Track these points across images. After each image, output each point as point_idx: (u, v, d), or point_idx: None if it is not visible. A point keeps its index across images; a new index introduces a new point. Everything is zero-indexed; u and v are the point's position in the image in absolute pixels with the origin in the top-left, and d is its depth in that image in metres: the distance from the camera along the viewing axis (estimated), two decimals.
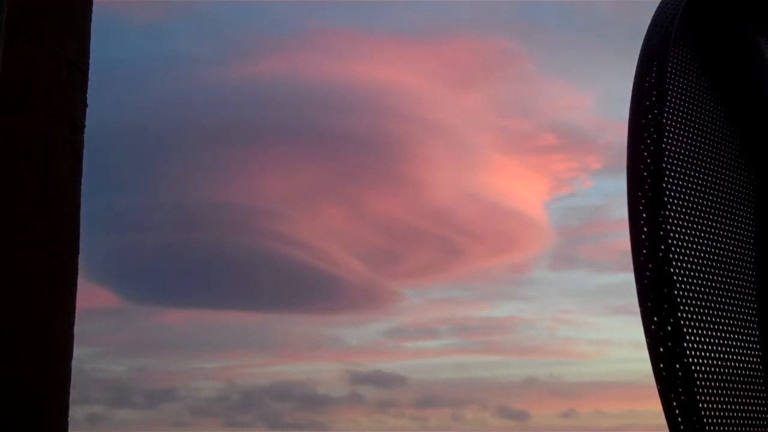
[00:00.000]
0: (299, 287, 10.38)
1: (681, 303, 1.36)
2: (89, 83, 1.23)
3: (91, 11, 1.26)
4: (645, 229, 1.36)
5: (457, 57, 9.85)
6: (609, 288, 10.62)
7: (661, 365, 1.32)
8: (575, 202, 10.77)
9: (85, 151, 1.22)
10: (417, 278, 11.06)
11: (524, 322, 10.66)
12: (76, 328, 1.17)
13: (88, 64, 1.24)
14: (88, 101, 1.23)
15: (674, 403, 1.32)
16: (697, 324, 1.39)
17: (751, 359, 1.53)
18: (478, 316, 10.86)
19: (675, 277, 1.37)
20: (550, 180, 10.55)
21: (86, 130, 1.22)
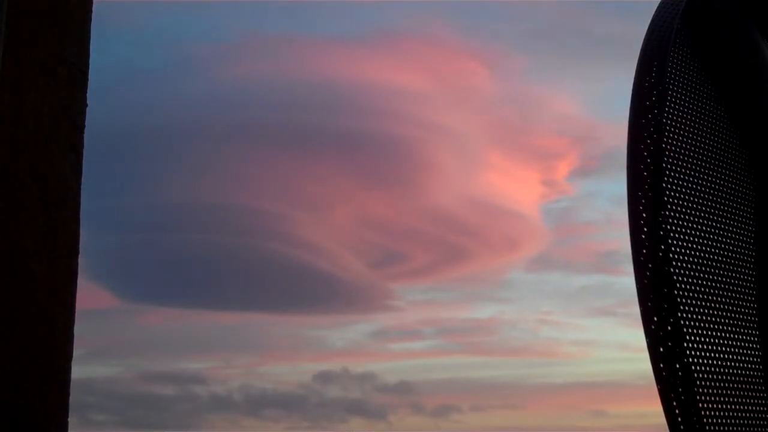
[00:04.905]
0: (298, 288, 10.37)
1: (681, 303, 1.36)
2: (89, 83, 1.23)
3: (91, 11, 1.26)
4: (645, 229, 1.36)
5: (436, 60, 9.89)
6: (587, 289, 10.67)
7: (661, 365, 1.32)
8: (550, 205, 10.81)
9: (85, 151, 1.21)
10: (412, 279, 11.07)
11: (507, 323, 10.69)
12: (76, 328, 1.17)
13: (88, 64, 1.23)
14: (88, 101, 1.23)
15: (674, 403, 1.32)
16: (697, 324, 1.39)
17: (751, 359, 1.53)
18: (461, 317, 10.89)
19: (675, 277, 1.36)
20: (525, 182, 10.59)
21: (86, 130, 1.22)
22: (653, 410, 1.38)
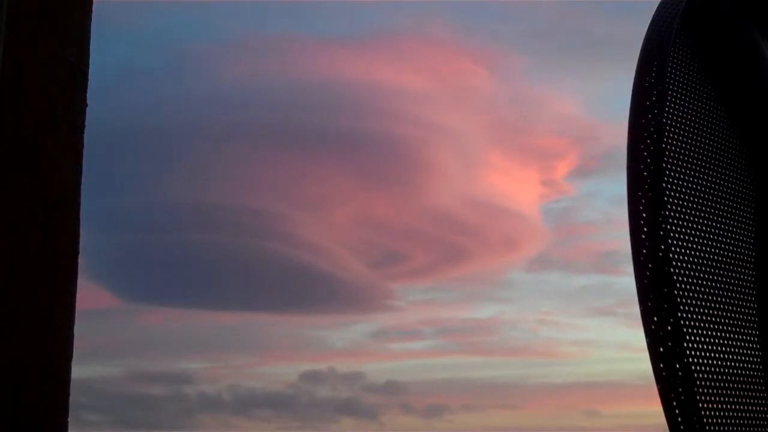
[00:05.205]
0: (298, 288, 10.38)
1: (681, 303, 1.36)
2: (89, 83, 1.23)
3: (91, 11, 1.26)
4: (645, 229, 1.36)
5: (435, 60, 9.91)
6: (587, 289, 10.68)
7: (661, 365, 1.32)
8: (550, 205, 10.81)
9: (85, 151, 1.21)
10: (412, 279, 11.07)
11: (506, 323, 10.69)
12: (76, 328, 1.17)
13: (88, 64, 1.23)
14: (88, 101, 1.23)
15: (674, 403, 1.32)
16: (697, 324, 1.39)
17: (751, 359, 1.53)
18: (460, 317, 10.88)
19: (675, 277, 1.36)
20: (525, 182, 10.59)
21: (86, 130, 1.22)
22: (653, 410, 1.38)
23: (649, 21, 1.53)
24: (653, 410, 1.40)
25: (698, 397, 1.33)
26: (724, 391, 1.41)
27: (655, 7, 1.56)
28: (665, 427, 1.32)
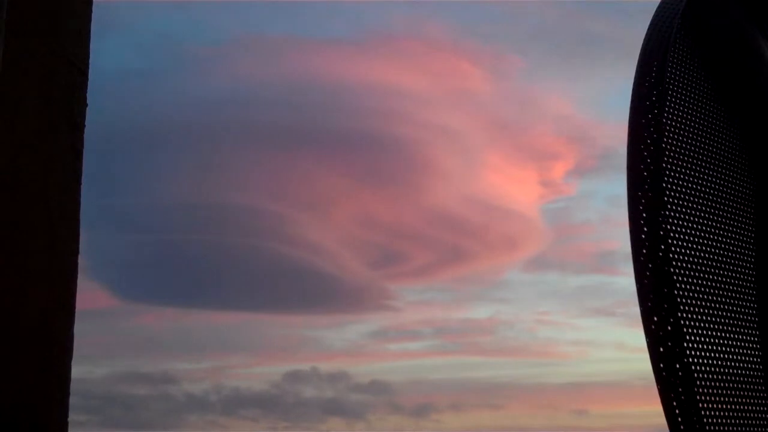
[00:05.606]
0: (298, 288, 10.38)
1: (681, 303, 1.36)
2: (89, 83, 1.23)
3: (91, 11, 1.26)
4: (645, 229, 1.36)
5: (434, 61, 9.92)
6: (585, 289, 10.69)
7: (661, 365, 1.32)
8: (549, 205, 10.82)
9: (85, 151, 1.21)
10: (411, 279, 11.08)
11: (504, 323, 10.71)
12: (76, 328, 1.17)
13: (88, 64, 1.23)
14: (88, 101, 1.23)
15: (674, 403, 1.32)
16: (697, 324, 1.39)
17: (751, 359, 1.52)
18: (458, 318, 10.90)
19: (675, 277, 1.36)
20: (524, 182, 10.60)
21: (86, 130, 1.22)
22: (652, 410, 1.38)
23: (649, 21, 1.53)
24: (653, 410, 1.40)
25: (698, 397, 1.33)
26: (724, 391, 1.41)
27: (655, 7, 1.56)
28: (665, 427, 1.32)
